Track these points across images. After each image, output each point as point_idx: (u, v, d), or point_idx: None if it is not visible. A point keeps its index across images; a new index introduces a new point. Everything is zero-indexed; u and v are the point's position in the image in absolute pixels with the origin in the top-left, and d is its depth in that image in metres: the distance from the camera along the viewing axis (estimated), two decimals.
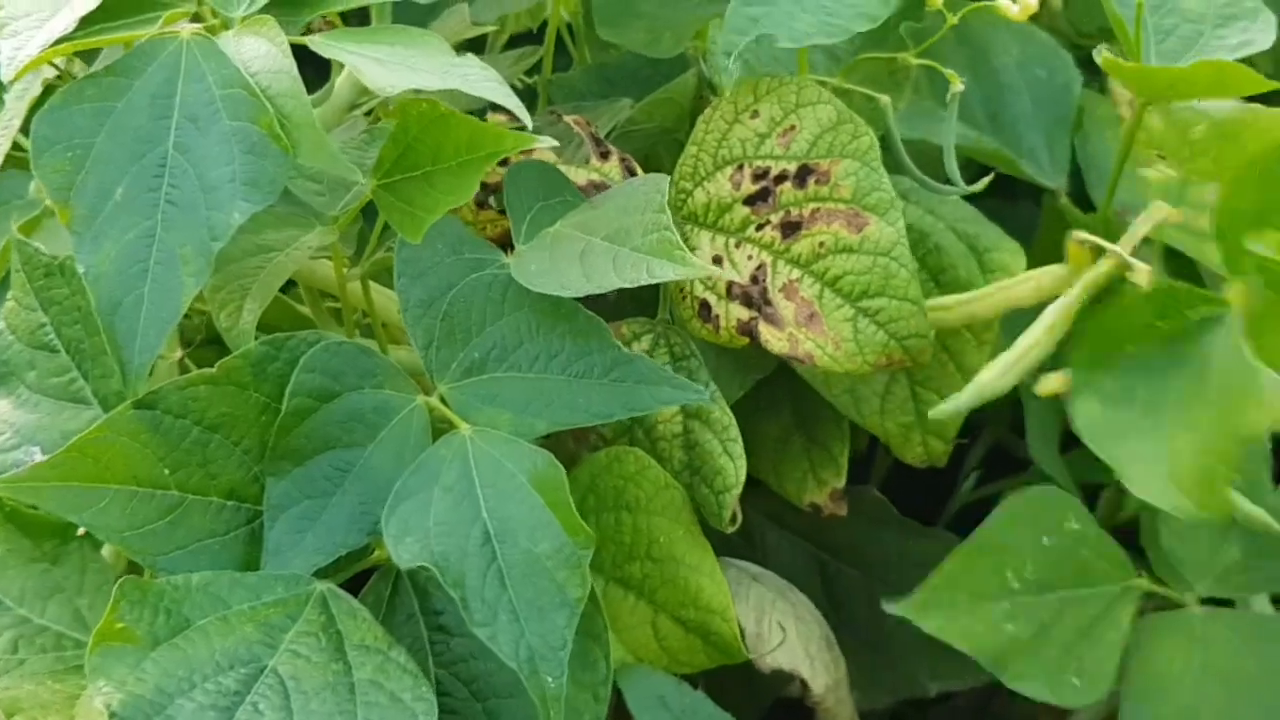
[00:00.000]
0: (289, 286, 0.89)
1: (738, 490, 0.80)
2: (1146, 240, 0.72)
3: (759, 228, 0.79)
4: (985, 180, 0.81)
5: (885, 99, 0.81)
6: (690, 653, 0.80)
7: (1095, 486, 0.89)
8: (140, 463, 0.67)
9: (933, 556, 0.97)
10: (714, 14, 0.85)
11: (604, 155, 0.83)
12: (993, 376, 0.71)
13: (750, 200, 0.79)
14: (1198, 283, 0.73)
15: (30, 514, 0.72)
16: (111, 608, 0.61)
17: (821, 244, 0.77)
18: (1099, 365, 0.66)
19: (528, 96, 0.90)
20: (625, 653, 0.78)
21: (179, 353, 0.79)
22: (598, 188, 0.82)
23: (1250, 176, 0.64)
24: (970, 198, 0.83)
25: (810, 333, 0.77)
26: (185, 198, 0.67)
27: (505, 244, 0.78)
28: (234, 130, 0.67)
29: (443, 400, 0.72)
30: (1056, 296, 0.72)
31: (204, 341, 0.85)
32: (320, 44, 0.70)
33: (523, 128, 0.70)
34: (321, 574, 0.68)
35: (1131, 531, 0.79)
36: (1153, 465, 0.62)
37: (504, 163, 0.83)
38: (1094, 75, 0.87)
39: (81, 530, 0.72)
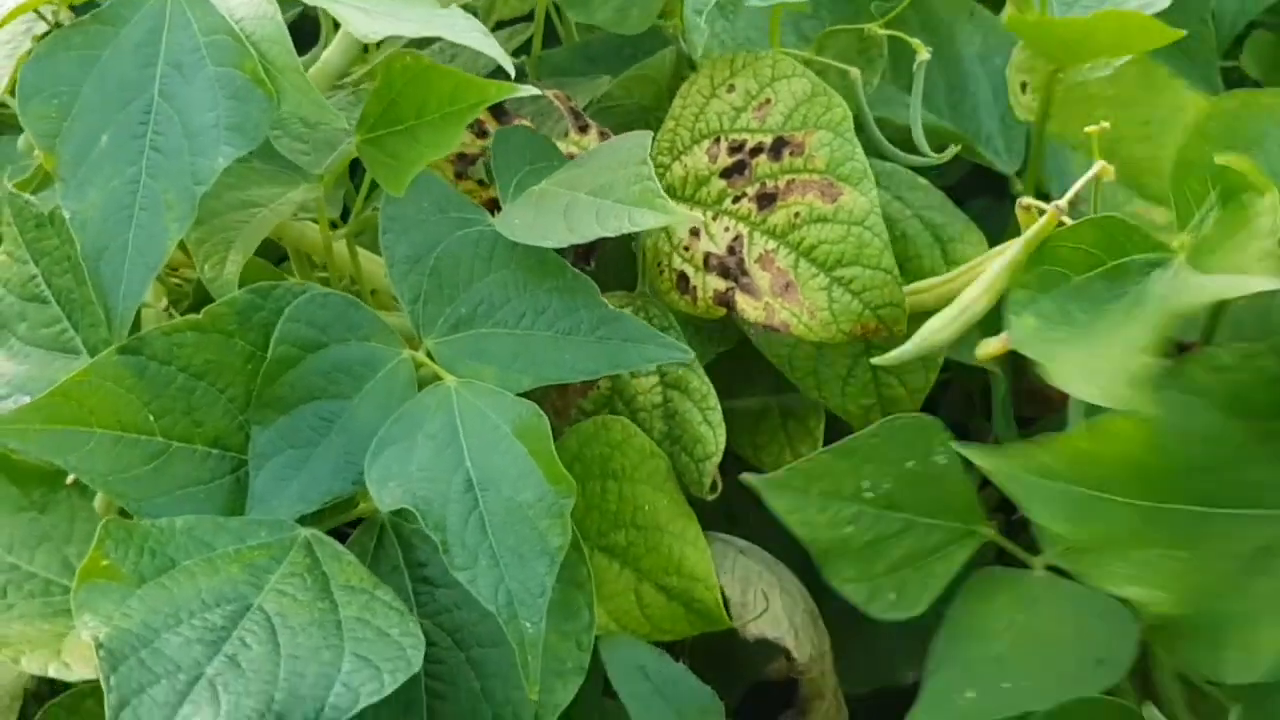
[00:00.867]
0: (279, 258, 0.89)
1: (718, 458, 0.81)
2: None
3: (735, 200, 0.79)
4: (952, 150, 0.82)
5: (855, 72, 0.83)
6: (673, 620, 0.80)
7: None
8: (125, 408, 0.67)
9: None
10: None
11: (582, 129, 0.84)
12: (936, 328, 0.72)
13: (727, 173, 0.80)
14: None
15: (20, 462, 0.72)
16: (96, 545, 0.61)
17: (797, 214, 0.78)
18: (1042, 290, 0.67)
19: (516, 75, 0.91)
20: (608, 620, 0.78)
21: (164, 302, 0.79)
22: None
23: (1197, 134, 0.66)
24: (959, 198, 0.84)
25: (786, 302, 0.78)
26: (170, 144, 0.67)
27: (491, 212, 0.78)
28: (218, 76, 0.68)
29: (429, 355, 0.72)
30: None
31: (189, 307, 0.85)
32: None
33: None
34: (305, 525, 0.68)
35: None
36: (1076, 364, 0.63)
37: (482, 134, 0.84)
38: None
39: (70, 479, 0.72)
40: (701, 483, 0.80)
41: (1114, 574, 0.65)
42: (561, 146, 0.82)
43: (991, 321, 0.71)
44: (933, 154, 0.80)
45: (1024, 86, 0.82)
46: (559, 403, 0.83)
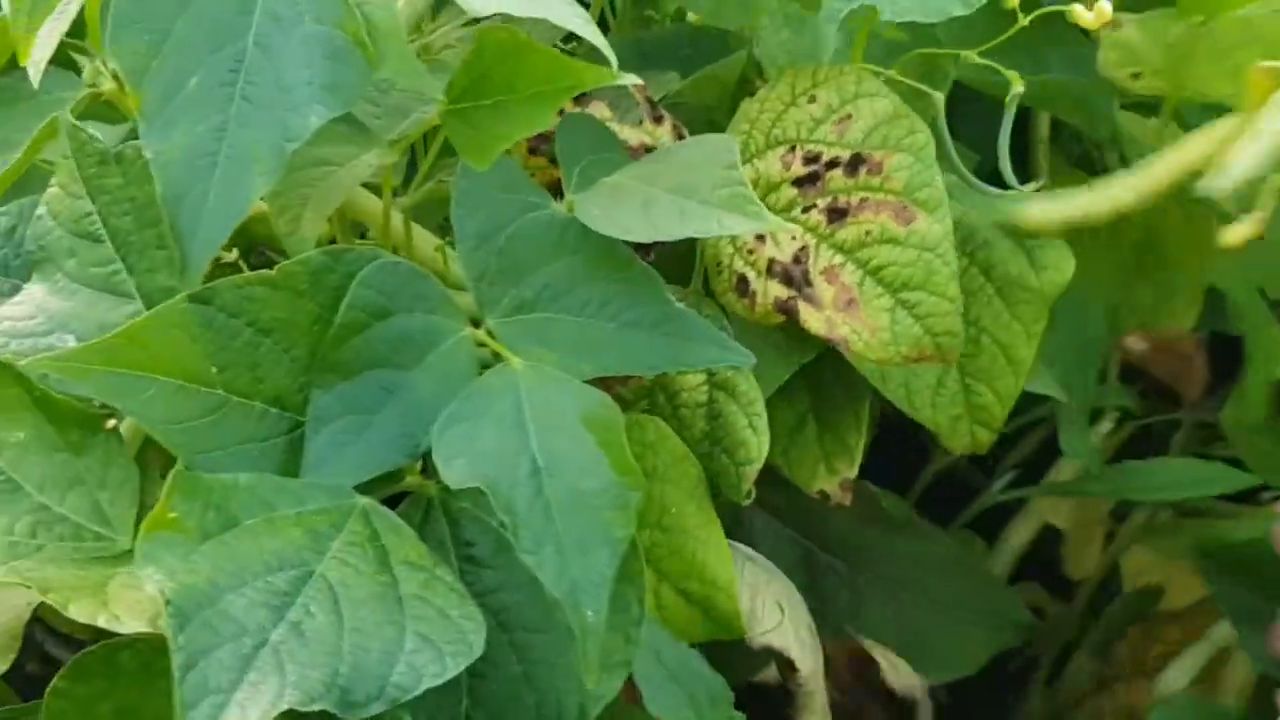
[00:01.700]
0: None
1: (759, 464, 0.81)
2: None
3: (805, 210, 0.80)
4: (1036, 184, 0.82)
5: (939, 96, 0.83)
6: (689, 625, 0.80)
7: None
8: (189, 357, 0.65)
9: (921, 553, 0.99)
10: None
11: (657, 119, 0.84)
12: (1249, 160, 0.71)
13: (799, 182, 0.80)
14: None
15: (59, 401, 0.70)
16: (166, 495, 0.59)
17: (868, 232, 0.78)
18: None
19: None
20: None
21: (235, 253, 0.77)
22: (646, 150, 0.82)
23: None
24: None
25: (847, 317, 0.78)
26: (261, 95, 0.66)
27: (553, 193, 0.77)
28: (317, 34, 0.66)
29: (490, 334, 0.71)
30: (1234, 142, 0.72)
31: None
32: None
33: None
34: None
35: None
36: None
37: (560, 113, 0.83)
38: None
39: (110, 424, 0.70)
40: (739, 488, 0.81)
41: None
42: (635, 134, 0.81)
43: None
44: (1019, 186, 0.81)
45: (1135, 76, 0.83)
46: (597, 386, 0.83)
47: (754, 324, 0.80)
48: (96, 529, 0.69)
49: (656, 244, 0.82)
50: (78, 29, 0.76)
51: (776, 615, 0.86)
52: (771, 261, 0.79)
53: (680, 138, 0.82)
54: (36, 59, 0.73)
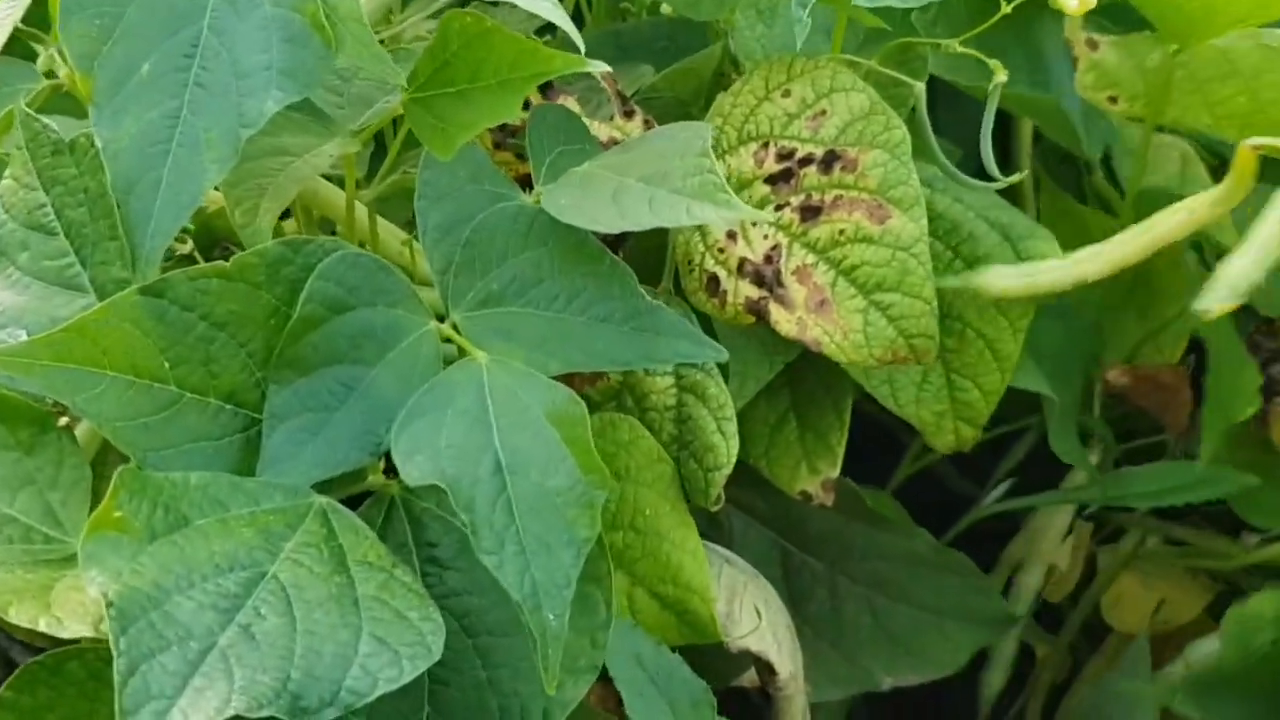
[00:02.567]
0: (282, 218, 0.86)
1: (728, 470, 0.79)
2: None
3: (778, 208, 0.78)
4: (1020, 176, 0.80)
5: (919, 86, 0.81)
6: (663, 629, 0.78)
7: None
8: (140, 352, 0.63)
9: (900, 550, 0.97)
10: None
11: (628, 114, 0.82)
12: (1244, 270, 0.69)
13: (772, 179, 0.78)
14: None
15: (10, 399, 0.68)
16: (111, 494, 0.57)
17: (841, 231, 0.76)
18: None
19: None
20: None
21: (189, 245, 0.75)
22: (617, 145, 0.80)
23: None
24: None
25: (820, 319, 0.76)
26: (216, 81, 0.64)
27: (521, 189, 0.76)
28: (274, 17, 0.64)
29: (455, 328, 0.69)
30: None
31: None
32: None
33: None
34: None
35: None
36: None
37: (525, 106, 0.81)
38: None
39: (62, 422, 0.68)
40: (708, 493, 0.79)
41: None
42: (604, 130, 0.79)
43: None
44: (1000, 176, 0.79)
45: (1113, 100, 0.81)
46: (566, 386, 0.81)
47: (732, 323, 0.78)
48: (47, 531, 0.67)
49: (626, 241, 0.80)
50: (41, 20, 0.74)
51: (754, 619, 0.84)
52: (743, 261, 0.77)
53: (650, 131, 0.80)
54: None
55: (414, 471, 0.62)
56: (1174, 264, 0.90)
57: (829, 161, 0.76)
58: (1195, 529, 1.04)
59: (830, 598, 0.96)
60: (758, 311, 0.76)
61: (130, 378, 0.63)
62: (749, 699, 0.93)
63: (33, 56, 0.80)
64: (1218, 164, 0.94)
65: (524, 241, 0.71)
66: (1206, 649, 0.93)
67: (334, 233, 0.83)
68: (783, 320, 0.76)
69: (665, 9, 0.96)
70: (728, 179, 0.78)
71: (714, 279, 0.78)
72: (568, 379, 0.79)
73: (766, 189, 0.77)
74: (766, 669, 0.86)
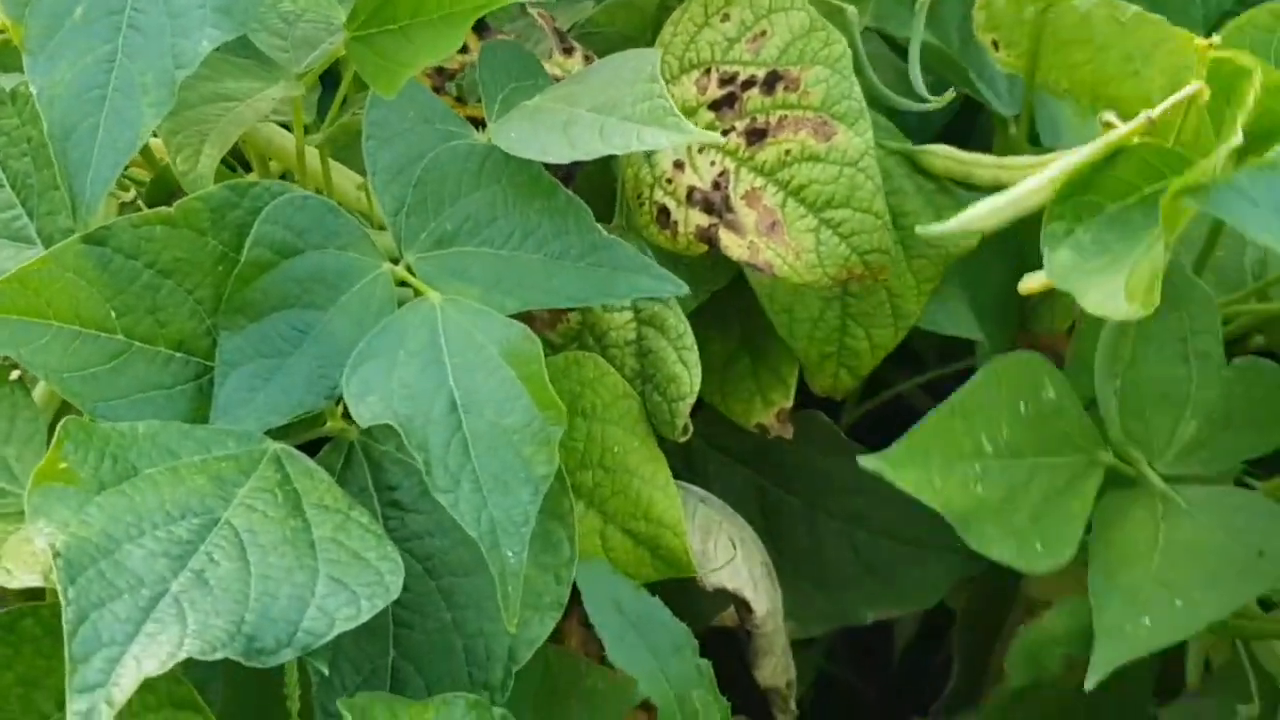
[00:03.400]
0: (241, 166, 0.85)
1: (692, 398, 0.78)
2: None
3: (724, 133, 0.76)
4: (949, 95, 0.80)
5: (852, 9, 0.80)
6: (637, 565, 0.77)
7: None
8: (85, 302, 0.62)
9: (880, 483, 0.96)
10: None
11: (567, 51, 0.80)
12: (983, 213, 0.68)
13: (716, 105, 0.77)
14: None
15: None
16: (55, 445, 0.56)
17: (787, 152, 0.75)
18: (1078, 220, 0.64)
19: None
20: None
21: (132, 193, 0.74)
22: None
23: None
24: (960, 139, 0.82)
25: (771, 241, 0.75)
26: (150, 23, 0.63)
27: None
28: None
29: (410, 270, 0.68)
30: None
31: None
32: None
33: None
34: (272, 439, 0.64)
35: None
36: (1110, 289, 0.61)
37: (461, 49, 0.80)
38: None
39: (15, 375, 0.67)
40: (674, 424, 0.78)
41: None
42: (545, 67, 0.78)
43: None
44: (931, 98, 0.78)
45: (995, 45, 0.79)
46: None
47: (667, 254, 0.77)
48: (2, 485, 0.66)
49: (573, 180, 0.79)
50: None
51: (729, 556, 0.84)
52: (691, 189, 0.76)
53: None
54: None
55: (366, 412, 0.61)
56: None
57: (771, 82, 0.75)
58: None
59: (810, 534, 0.95)
60: (709, 239, 0.75)
61: (76, 328, 0.62)
62: (735, 640, 0.92)
63: None
64: None
65: (476, 180, 0.70)
66: None
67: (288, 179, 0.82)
68: (733, 245, 0.75)
69: None
70: None
71: (664, 210, 0.77)
72: (528, 322, 0.79)
73: (711, 115, 0.76)
74: (744, 606, 0.86)
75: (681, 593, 0.80)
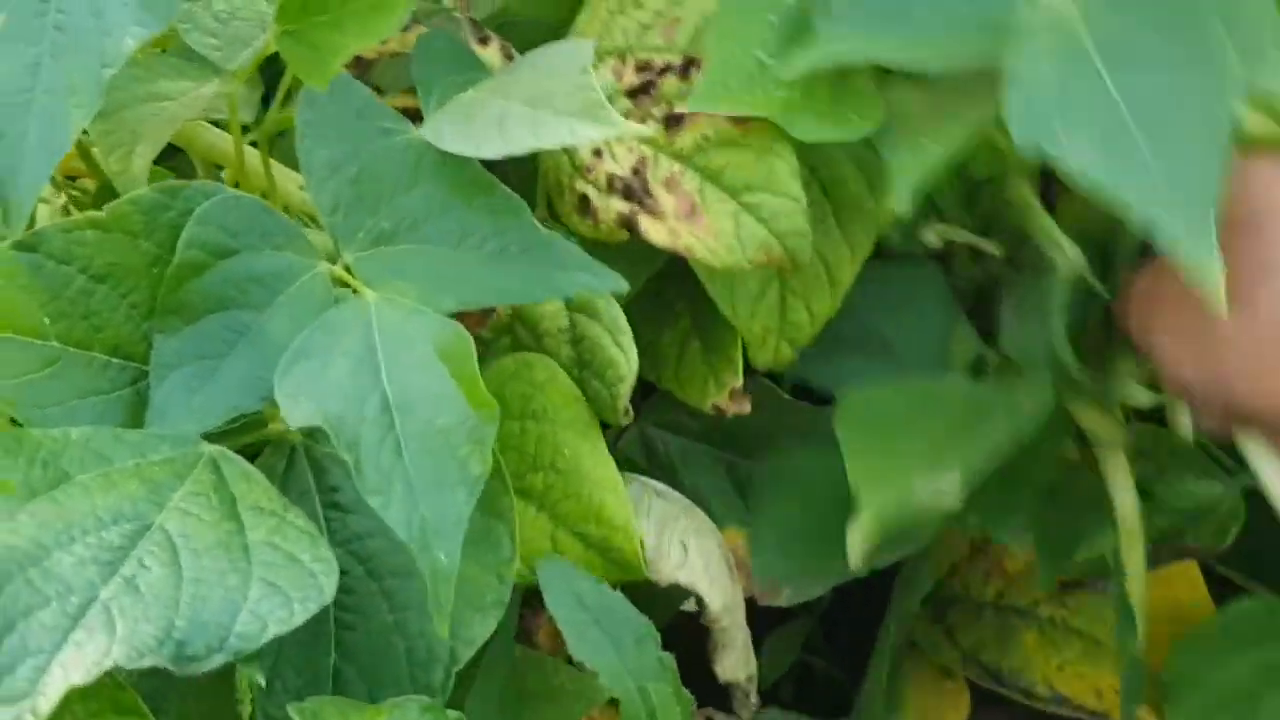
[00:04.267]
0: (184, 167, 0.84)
1: (631, 380, 0.78)
2: None
3: (642, 120, 0.76)
4: None
5: None
6: (589, 568, 0.77)
7: None
8: (18, 309, 0.62)
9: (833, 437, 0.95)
10: None
11: (483, 41, 0.80)
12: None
13: (633, 93, 0.76)
14: None
15: None
16: None
17: (705, 137, 0.75)
18: None
19: None
20: (521, 565, 0.75)
21: (62, 199, 0.73)
22: None
23: None
24: None
25: (690, 226, 0.75)
26: (75, 23, 0.62)
27: None
28: None
29: (348, 269, 0.68)
30: None
31: None
32: None
33: None
34: (211, 443, 0.63)
35: None
36: None
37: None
38: None
39: None
40: (615, 408, 0.78)
41: None
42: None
43: None
44: None
45: None
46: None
47: (591, 242, 0.76)
48: None
49: (497, 172, 0.79)
50: None
51: (682, 551, 0.84)
52: (611, 177, 0.75)
53: (509, 57, 0.79)
54: None
55: (297, 414, 0.61)
56: None
57: (687, 68, 0.75)
58: None
59: None
60: (629, 225, 0.75)
61: (8, 335, 0.62)
62: (695, 633, 0.92)
63: None
64: None
65: (413, 177, 0.69)
66: None
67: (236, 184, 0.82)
68: (653, 230, 0.74)
69: None
70: None
71: (584, 198, 0.76)
72: (459, 317, 0.78)
73: (629, 103, 0.76)
74: (699, 602, 0.86)
75: (643, 587, 0.80)
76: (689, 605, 0.89)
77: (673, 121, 0.75)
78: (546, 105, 0.67)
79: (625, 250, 0.76)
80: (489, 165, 0.72)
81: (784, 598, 0.91)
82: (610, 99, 0.74)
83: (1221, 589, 0.96)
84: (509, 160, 0.68)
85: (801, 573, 0.91)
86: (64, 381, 0.63)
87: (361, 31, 0.66)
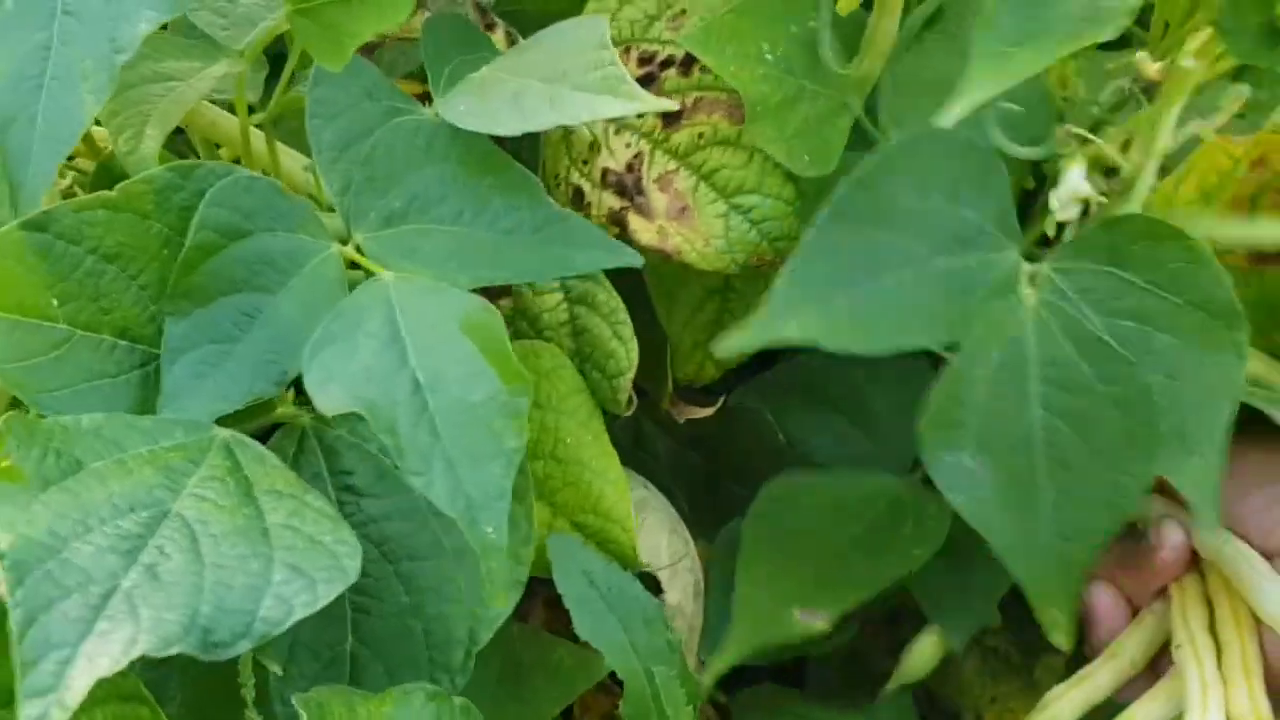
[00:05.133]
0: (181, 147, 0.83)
1: (631, 373, 0.77)
2: None
3: (640, 115, 0.75)
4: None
5: None
6: None
7: None
8: (27, 289, 0.61)
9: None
10: None
11: (489, 27, 0.79)
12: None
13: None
14: None
15: None
16: None
17: (701, 135, 0.74)
18: None
19: None
20: None
21: (68, 180, 0.72)
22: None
23: None
24: None
25: (680, 226, 0.74)
26: (85, 7, 0.61)
27: None
28: None
29: (359, 250, 0.67)
30: None
31: None
32: None
33: None
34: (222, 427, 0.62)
35: None
36: None
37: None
38: None
39: None
40: (617, 399, 0.77)
41: None
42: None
43: None
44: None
45: None
46: None
47: None
48: None
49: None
50: None
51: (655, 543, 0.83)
52: (605, 172, 0.75)
53: (514, 44, 0.78)
54: None
55: (329, 401, 0.59)
56: None
57: (689, 63, 0.74)
58: None
59: None
60: (619, 221, 0.74)
61: (16, 317, 0.61)
62: None
63: None
64: None
65: (425, 156, 0.68)
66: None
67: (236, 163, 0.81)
68: (641, 230, 0.74)
69: None
70: None
71: (579, 191, 0.76)
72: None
73: None
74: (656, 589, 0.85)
75: None
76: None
77: (671, 117, 0.74)
78: (564, 81, 0.66)
79: None
80: None
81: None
82: None
83: None
84: (512, 152, 0.67)
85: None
86: (72, 364, 0.62)
87: (376, 12, 0.65)
